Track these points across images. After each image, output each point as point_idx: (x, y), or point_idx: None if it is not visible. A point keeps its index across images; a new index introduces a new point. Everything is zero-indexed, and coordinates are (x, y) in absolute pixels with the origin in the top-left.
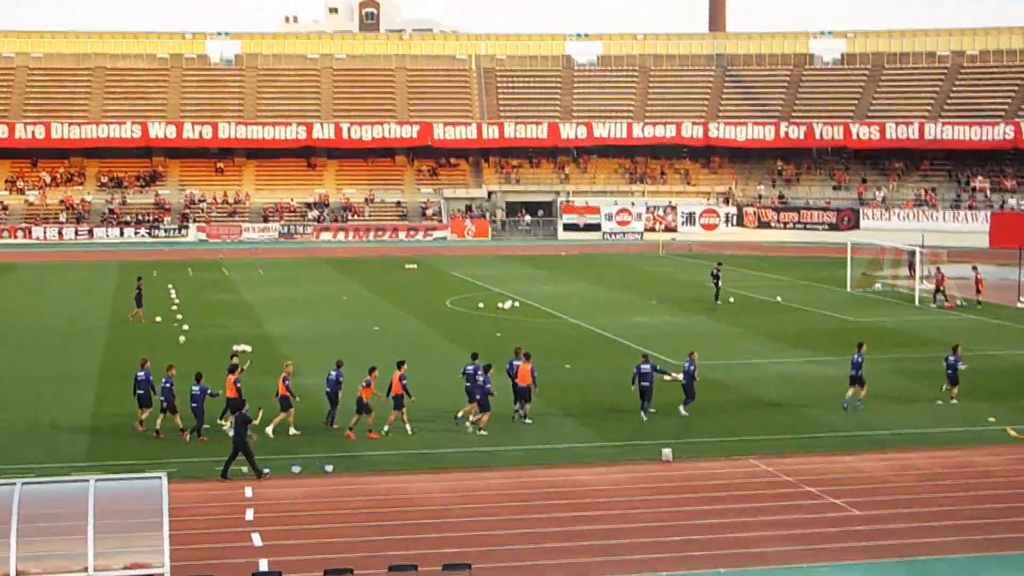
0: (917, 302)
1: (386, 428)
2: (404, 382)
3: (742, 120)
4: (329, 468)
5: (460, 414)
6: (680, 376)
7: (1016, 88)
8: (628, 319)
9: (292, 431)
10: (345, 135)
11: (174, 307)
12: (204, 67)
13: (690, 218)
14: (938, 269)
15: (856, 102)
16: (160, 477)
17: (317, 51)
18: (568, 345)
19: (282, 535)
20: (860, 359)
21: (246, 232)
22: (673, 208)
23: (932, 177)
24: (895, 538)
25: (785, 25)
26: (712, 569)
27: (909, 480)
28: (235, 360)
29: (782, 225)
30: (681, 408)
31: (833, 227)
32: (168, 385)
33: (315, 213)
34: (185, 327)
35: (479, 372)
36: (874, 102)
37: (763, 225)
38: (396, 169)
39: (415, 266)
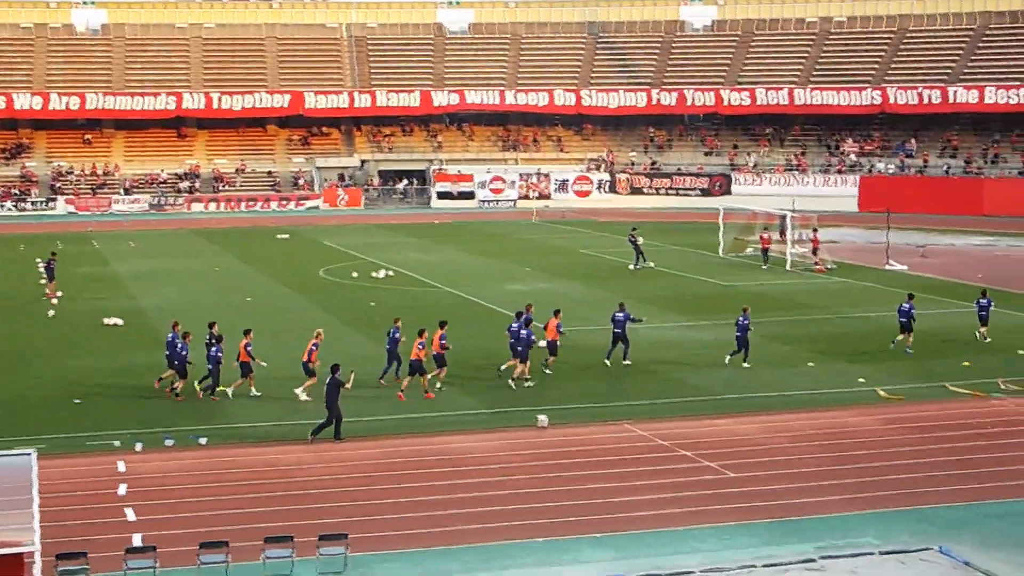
0: (789, 266)
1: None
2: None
3: (614, 87)
4: (203, 441)
5: (504, 367)
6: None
7: (883, 53)
8: (502, 286)
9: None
10: (215, 105)
11: (42, 281)
12: (70, 37)
13: (563, 185)
14: (814, 231)
15: (727, 68)
16: (29, 453)
17: (186, 20)
18: (442, 313)
19: (156, 509)
20: (910, 308)
21: (116, 204)
22: (546, 175)
23: (802, 142)
24: (770, 499)
25: None
26: (588, 534)
27: (783, 441)
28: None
29: (655, 191)
30: (728, 358)
31: (705, 193)
32: (182, 349)
33: (186, 184)
34: (55, 300)
35: (522, 328)
36: (744, 68)
37: (636, 191)
38: (267, 139)
39: (288, 236)
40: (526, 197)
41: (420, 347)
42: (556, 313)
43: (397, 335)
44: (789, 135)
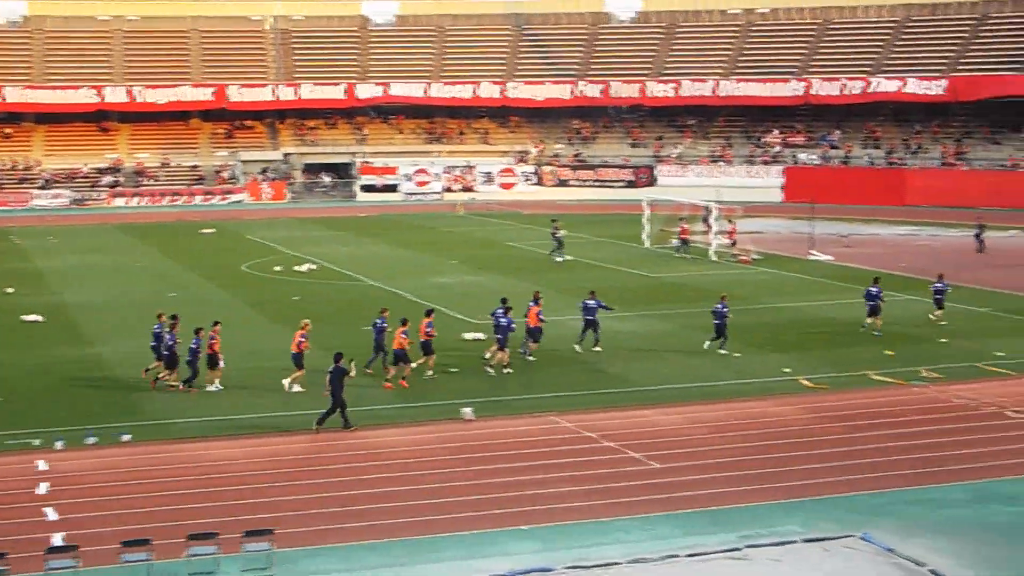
0: (713, 257)
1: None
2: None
3: (539, 79)
4: (125, 438)
5: (488, 354)
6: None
7: (806, 45)
8: (428, 279)
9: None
10: (138, 98)
11: None
12: None
13: (489, 177)
14: (730, 222)
15: (652, 60)
16: None
17: (107, 12)
18: (368, 307)
19: (78, 508)
20: (878, 292)
21: (36, 199)
22: (471, 168)
23: (727, 133)
24: (695, 489)
25: None
26: (514, 527)
27: (707, 432)
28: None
29: (580, 183)
30: (707, 344)
31: (630, 184)
32: (170, 339)
33: (108, 178)
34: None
35: (501, 316)
36: (669, 60)
37: (561, 183)
38: (191, 132)
39: (211, 231)
40: (451, 190)
41: (404, 336)
42: (537, 301)
43: (384, 324)
44: (714, 126)
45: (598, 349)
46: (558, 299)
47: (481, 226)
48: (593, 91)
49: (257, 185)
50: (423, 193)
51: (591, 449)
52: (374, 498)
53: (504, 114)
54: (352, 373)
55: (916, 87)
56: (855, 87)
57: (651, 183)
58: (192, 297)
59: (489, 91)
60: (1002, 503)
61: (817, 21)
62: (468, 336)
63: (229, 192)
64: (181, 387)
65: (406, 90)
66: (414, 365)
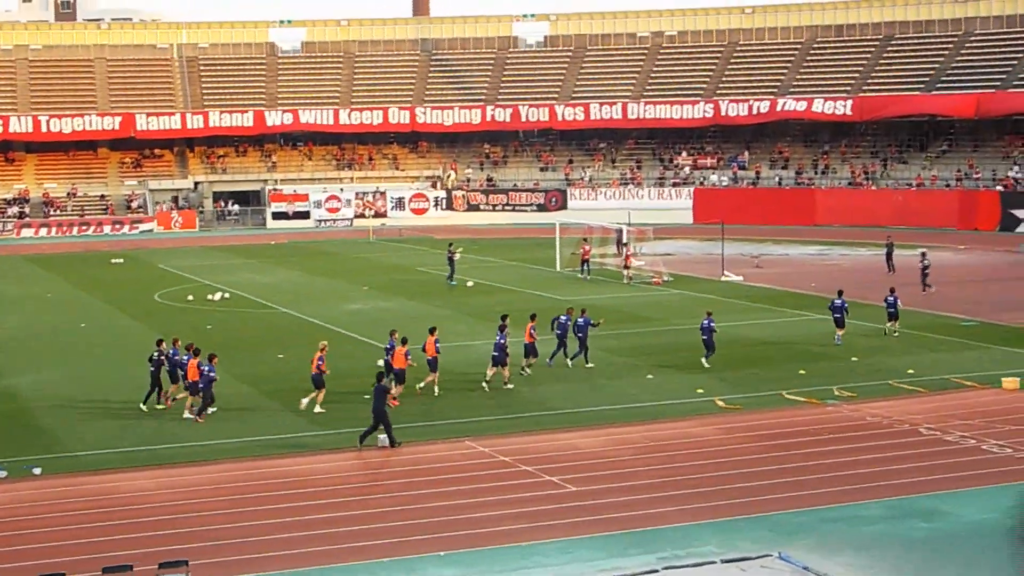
0: (626, 280)
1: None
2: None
3: (448, 104)
4: (37, 471)
5: (497, 376)
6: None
7: (714, 67)
8: (340, 306)
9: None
10: (44, 128)
11: None
12: None
13: (400, 203)
14: (624, 244)
15: (560, 84)
16: None
17: (11, 42)
18: (279, 335)
19: None
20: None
21: None
22: (382, 194)
23: (637, 156)
24: (613, 511)
25: (488, 8)
26: (433, 552)
27: (624, 454)
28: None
29: (491, 207)
30: (705, 362)
31: (542, 208)
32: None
33: (15, 209)
34: None
35: (502, 338)
36: (578, 83)
37: (472, 208)
38: (99, 161)
39: (122, 260)
40: (362, 216)
41: (407, 356)
42: (505, 318)
43: (393, 346)
44: (624, 149)
45: (590, 366)
46: (466, 324)
47: (393, 252)
48: (503, 115)
49: (167, 214)
50: (334, 220)
51: (508, 474)
52: (291, 527)
53: (414, 139)
54: (394, 392)
55: (823, 107)
56: (763, 107)
57: (562, 206)
58: (102, 328)
59: (399, 116)
60: (919, 519)
61: (724, 43)
62: (383, 363)
63: (139, 221)
64: (199, 418)
65: (315, 117)
66: (421, 385)
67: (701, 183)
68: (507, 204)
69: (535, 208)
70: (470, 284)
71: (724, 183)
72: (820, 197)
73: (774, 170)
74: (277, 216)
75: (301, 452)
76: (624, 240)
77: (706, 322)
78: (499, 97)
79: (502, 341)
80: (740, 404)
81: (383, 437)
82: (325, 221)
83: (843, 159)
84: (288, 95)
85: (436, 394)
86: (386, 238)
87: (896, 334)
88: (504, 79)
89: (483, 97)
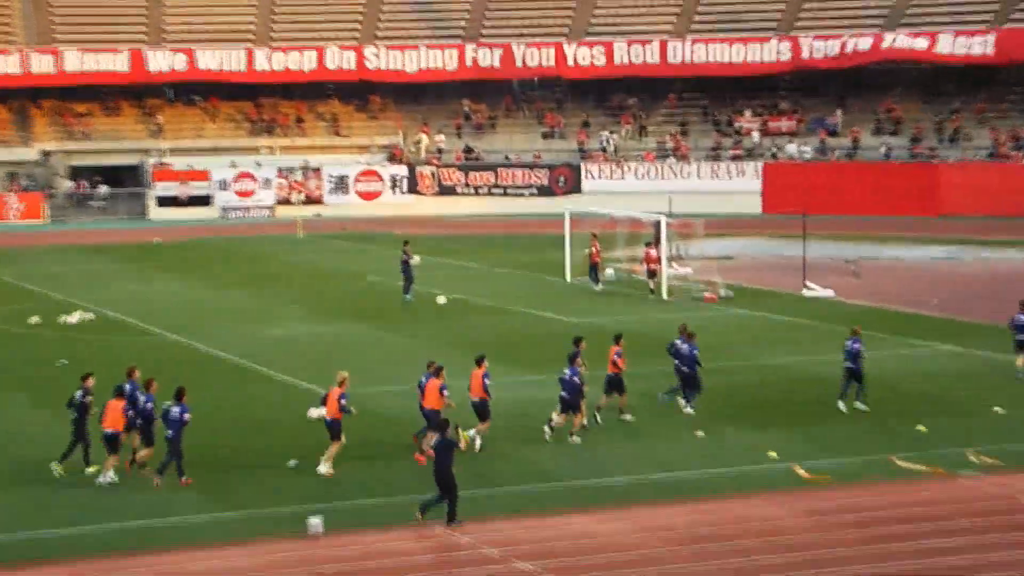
0: (665, 294)
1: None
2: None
3: (411, 43)
4: None
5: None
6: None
7: None
8: (255, 331)
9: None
10: None
11: None
12: None
13: (341, 184)
14: (647, 244)
15: (572, 14)
16: None
17: None
18: (167, 372)
19: None
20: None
21: None
22: (316, 170)
23: (681, 117)
24: None
25: None
26: None
27: (661, 545)
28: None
29: (472, 191)
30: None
31: (545, 192)
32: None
33: None
34: None
35: (574, 372)
36: (597, 13)
37: (446, 191)
38: None
39: None
40: (288, 202)
41: (443, 393)
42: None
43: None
44: (662, 107)
45: (690, 411)
46: (440, 358)
47: (332, 254)
48: (489, 58)
49: (2, 198)
50: (246, 207)
51: (495, 574)
52: None
53: (362, 93)
54: (463, 444)
55: (951, 45)
56: (862, 46)
57: (575, 189)
58: None
59: (340, 60)
60: None
61: None
62: (315, 414)
63: None
64: (157, 480)
65: (219, 60)
66: (471, 432)
67: (774, 156)
68: (495, 186)
69: (535, 192)
70: (441, 301)
71: (807, 155)
72: (947, 175)
73: (879, 136)
74: (164, 202)
75: (201, 544)
76: (659, 238)
77: (852, 343)
78: (483, 33)
79: (574, 376)
80: (830, 474)
81: (314, 520)
82: (234, 210)
83: (980, 121)
84: (179, 29)
85: (477, 449)
86: (322, 234)
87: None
88: (492, 7)
89: (461, 33)
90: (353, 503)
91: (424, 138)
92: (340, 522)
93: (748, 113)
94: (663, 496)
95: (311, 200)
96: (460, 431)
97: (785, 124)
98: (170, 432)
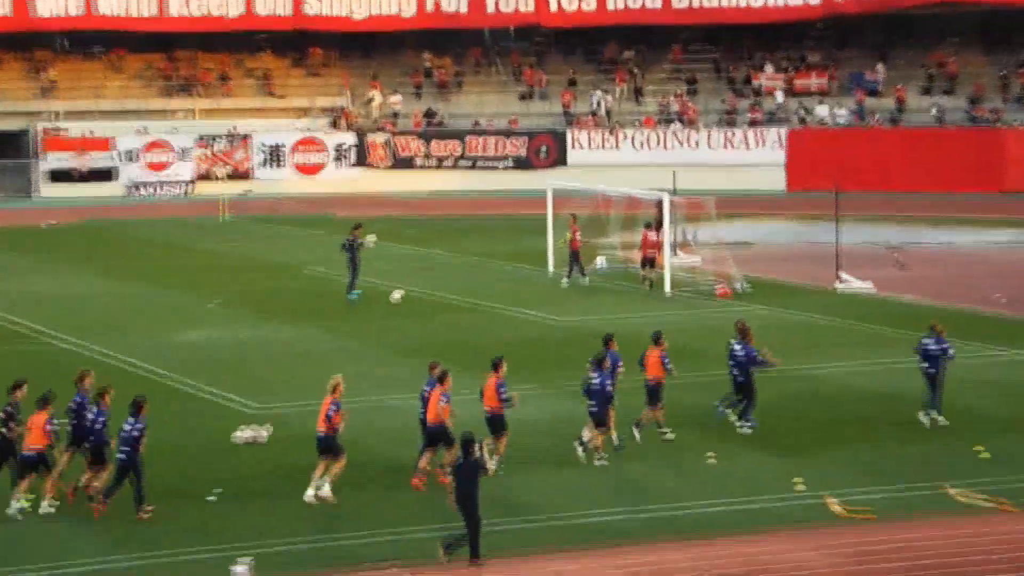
0: (668, 287)
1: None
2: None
3: None
4: None
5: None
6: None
7: None
8: (169, 336)
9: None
10: None
11: None
12: None
13: (275, 154)
14: (648, 226)
15: None
16: None
17: None
18: (59, 384)
19: None
20: None
21: None
22: (245, 139)
23: (688, 72)
24: None
25: None
26: None
27: None
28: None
29: (435, 163)
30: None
31: (523, 164)
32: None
33: None
34: None
35: (603, 378)
36: None
37: (402, 164)
38: None
39: None
40: (209, 177)
41: (444, 401)
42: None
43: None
44: (664, 61)
45: (747, 427)
46: (394, 367)
47: (263, 241)
48: (455, 3)
49: None
50: (159, 183)
51: None
52: None
53: (299, 45)
54: (491, 466)
55: None
56: None
57: (559, 161)
58: None
59: (272, 5)
60: None
61: None
62: (242, 435)
63: None
64: (103, 505)
65: (124, 4)
66: (488, 445)
67: (801, 120)
68: (463, 158)
69: (511, 165)
70: (397, 297)
71: (841, 120)
72: (1014, 143)
73: (929, 96)
74: (57, 177)
75: None
76: (661, 221)
77: (932, 342)
78: None
79: (605, 382)
80: (871, 508)
81: (239, 569)
82: (143, 185)
83: None
84: None
85: (494, 470)
86: (251, 216)
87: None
88: None
89: None
90: (288, 543)
91: (376, 95)
92: (271, 567)
93: (769, 68)
94: (666, 534)
95: (238, 175)
96: (487, 450)
97: (815, 82)
98: (122, 454)
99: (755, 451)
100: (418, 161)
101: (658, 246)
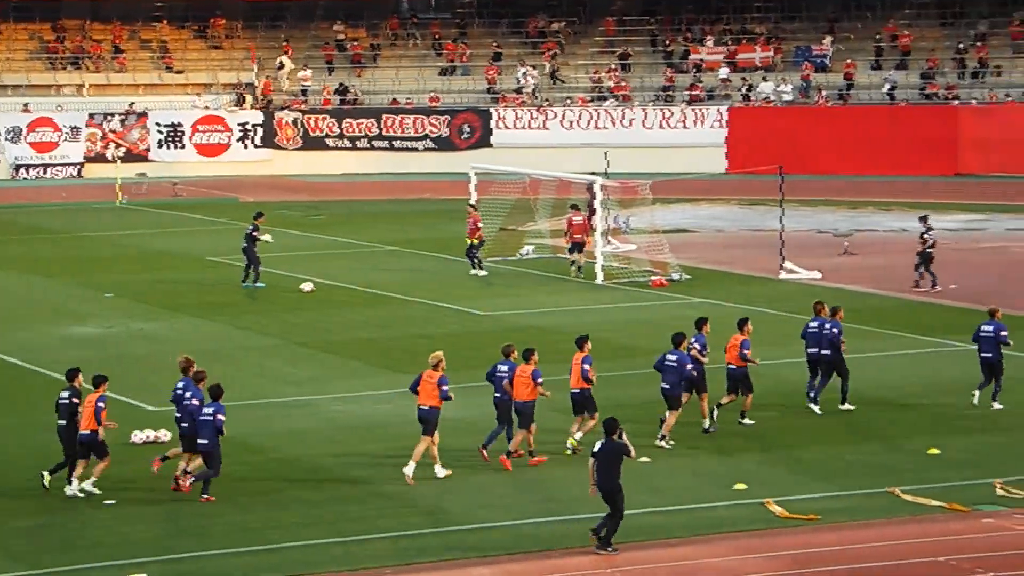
0: (600, 277)
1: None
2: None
3: None
4: None
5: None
6: None
7: None
8: (58, 329)
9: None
10: None
11: None
12: None
13: (174, 134)
14: (573, 207)
15: None
16: None
17: None
18: None
19: None
20: None
21: None
22: (141, 117)
23: (622, 44)
24: None
25: None
26: None
27: None
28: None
29: (349, 144)
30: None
31: (444, 145)
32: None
33: None
34: None
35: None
36: None
37: (313, 144)
38: None
39: None
40: (103, 158)
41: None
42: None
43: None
44: (596, 31)
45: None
46: (306, 364)
47: (162, 228)
48: None
49: None
50: (45, 165)
51: None
52: None
53: (201, 14)
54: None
55: None
56: None
57: (483, 141)
58: None
59: None
60: None
61: None
62: (141, 437)
63: None
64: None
65: None
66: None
67: (744, 97)
68: (378, 138)
69: (431, 145)
70: (307, 288)
71: (786, 97)
72: (969, 122)
73: (880, 72)
74: None
75: None
76: (593, 206)
77: (989, 327)
78: None
79: (684, 363)
80: (816, 512)
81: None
82: (27, 167)
83: (1015, 49)
84: None
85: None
86: (148, 201)
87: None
88: None
89: None
90: (190, 556)
91: (286, 61)
92: None
93: (710, 42)
94: (584, 543)
95: (134, 156)
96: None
97: (759, 56)
98: (204, 442)
99: (696, 452)
100: (330, 141)
101: (585, 229)
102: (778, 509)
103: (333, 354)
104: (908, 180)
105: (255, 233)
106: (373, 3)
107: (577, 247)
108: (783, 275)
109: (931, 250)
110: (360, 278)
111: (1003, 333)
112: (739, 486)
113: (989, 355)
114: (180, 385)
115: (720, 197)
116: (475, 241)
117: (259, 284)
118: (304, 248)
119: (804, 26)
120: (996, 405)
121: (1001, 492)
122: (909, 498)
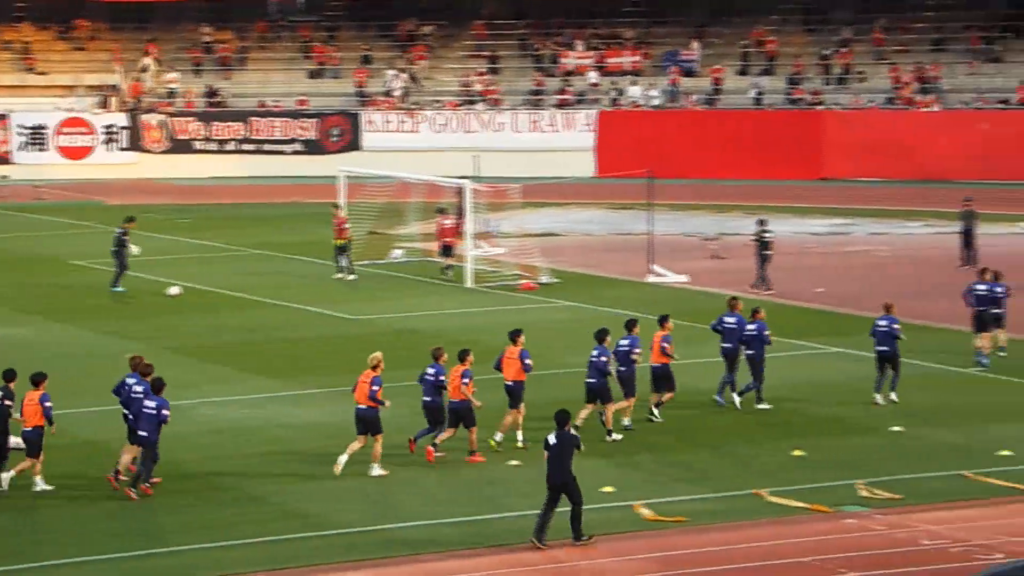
0: (470, 280)
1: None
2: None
3: None
4: None
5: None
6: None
7: None
8: None
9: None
10: None
11: None
12: None
13: (37, 136)
14: (440, 211)
15: None
16: None
17: None
18: None
19: None
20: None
21: None
22: (3, 117)
23: (491, 47)
24: None
25: None
26: None
27: None
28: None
29: (217, 147)
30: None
31: (313, 148)
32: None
33: None
34: None
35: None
36: None
37: (180, 148)
38: None
39: None
40: None
41: (466, 380)
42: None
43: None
44: (466, 37)
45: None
46: (179, 368)
47: (23, 231)
48: None
49: None
50: None
51: None
52: None
53: (64, 14)
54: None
55: None
56: None
57: (352, 145)
58: None
59: None
60: None
61: None
62: (15, 441)
63: None
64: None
65: None
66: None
67: (613, 101)
68: (246, 141)
69: (300, 149)
70: (174, 292)
71: (655, 101)
72: (834, 128)
73: (747, 77)
74: None
75: None
76: (462, 209)
77: (888, 322)
78: None
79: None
80: (683, 514)
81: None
82: None
83: (879, 55)
84: None
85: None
86: (10, 204)
87: (1003, 353)
88: None
89: None
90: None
91: (151, 63)
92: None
93: (580, 46)
94: (456, 547)
95: None
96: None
97: (627, 60)
98: (146, 433)
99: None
100: (197, 144)
101: (454, 232)
102: (646, 512)
103: (201, 359)
104: (775, 184)
105: (125, 237)
106: (241, 5)
107: (446, 249)
108: (651, 278)
109: (768, 252)
110: (228, 282)
111: (896, 327)
112: (607, 489)
113: (885, 348)
114: (131, 381)
115: (589, 201)
116: (343, 242)
117: (117, 288)
118: (171, 252)
119: (673, 31)
120: (894, 397)
121: (863, 493)
122: (774, 500)
